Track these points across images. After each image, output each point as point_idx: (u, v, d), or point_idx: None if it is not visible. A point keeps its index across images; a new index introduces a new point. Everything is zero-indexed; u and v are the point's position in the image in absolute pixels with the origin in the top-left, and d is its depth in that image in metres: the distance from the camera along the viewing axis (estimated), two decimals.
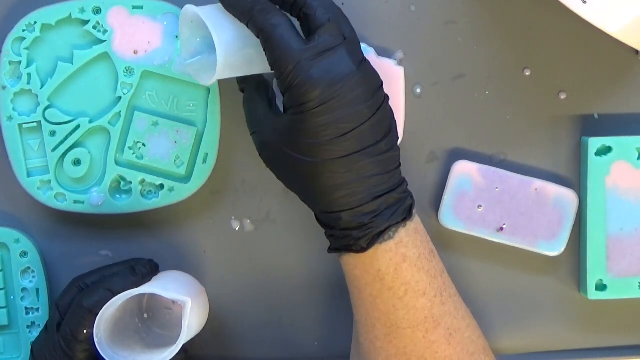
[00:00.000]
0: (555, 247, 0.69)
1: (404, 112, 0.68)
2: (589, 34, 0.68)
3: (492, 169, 0.69)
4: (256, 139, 0.61)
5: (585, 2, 0.59)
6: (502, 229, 0.69)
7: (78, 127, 0.67)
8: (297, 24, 0.59)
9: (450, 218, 0.69)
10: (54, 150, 0.67)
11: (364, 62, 0.59)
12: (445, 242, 0.71)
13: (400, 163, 0.60)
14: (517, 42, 0.70)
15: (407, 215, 0.60)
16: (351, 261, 0.60)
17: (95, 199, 0.68)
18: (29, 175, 0.68)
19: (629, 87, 0.71)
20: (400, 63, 0.70)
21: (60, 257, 0.70)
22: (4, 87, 0.67)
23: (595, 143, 0.69)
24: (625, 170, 0.69)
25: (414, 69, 0.70)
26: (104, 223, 0.70)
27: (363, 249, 0.59)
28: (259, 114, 0.61)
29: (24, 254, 0.69)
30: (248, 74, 0.62)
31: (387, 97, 0.60)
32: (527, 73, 0.70)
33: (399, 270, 0.59)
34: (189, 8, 0.60)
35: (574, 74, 0.70)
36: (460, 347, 0.62)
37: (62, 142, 0.67)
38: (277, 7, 0.59)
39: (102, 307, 0.59)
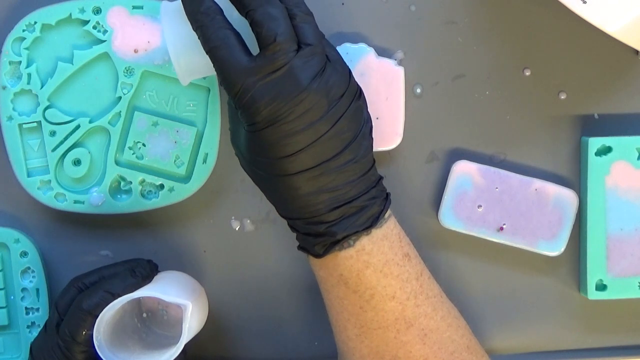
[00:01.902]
0: (555, 247, 0.69)
1: (404, 112, 0.68)
2: (589, 34, 0.68)
3: (492, 169, 0.69)
4: (231, 137, 0.62)
5: (585, 2, 0.59)
6: (502, 229, 0.69)
7: (78, 127, 0.67)
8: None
9: (450, 218, 0.69)
10: (54, 150, 0.67)
11: (320, 75, 0.56)
12: (445, 242, 0.71)
13: (370, 167, 0.59)
14: (517, 42, 0.70)
15: (373, 223, 0.59)
16: (315, 262, 0.61)
17: (95, 199, 0.68)
18: (29, 175, 0.68)
19: (629, 87, 0.71)
20: (400, 63, 0.70)
21: (60, 257, 0.70)
22: (4, 87, 0.67)
23: (595, 143, 0.69)
24: (625, 170, 0.69)
25: (414, 69, 0.70)
26: (104, 223, 0.70)
27: (319, 255, 0.59)
28: (232, 123, 0.62)
29: (24, 254, 0.69)
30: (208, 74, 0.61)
31: (352, 103, 0.58)
32: (527, 73, 0.70)
33: (361, 276, 0.59)
34: (164, 5, 0.60)
35: (574, 74, 0.70)
36: (438, 346, 0.61)
37: (62, 142, 0.67)
38: (225, 20, 0.57)
39: (101, 308, 0.59)
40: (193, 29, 0.57)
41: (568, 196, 0.69)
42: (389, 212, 0.61)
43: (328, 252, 0.59)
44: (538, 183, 0.69)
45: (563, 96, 0.71)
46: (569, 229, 0.69)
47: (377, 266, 0.60)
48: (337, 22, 0.70)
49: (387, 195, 0.61)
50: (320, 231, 0.58)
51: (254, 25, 0.56)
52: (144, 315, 0.67)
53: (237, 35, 0.57)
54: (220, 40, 0.56)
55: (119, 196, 0.68)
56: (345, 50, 0.68)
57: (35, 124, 0.67)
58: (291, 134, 0.56)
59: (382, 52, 0.69)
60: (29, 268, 0.69)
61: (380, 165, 0.70)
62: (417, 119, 0.70)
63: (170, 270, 0.68)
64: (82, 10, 0.67)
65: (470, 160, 0.69)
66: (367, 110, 0.60)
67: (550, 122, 0.71)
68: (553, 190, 0.69)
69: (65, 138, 0.67)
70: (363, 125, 0.59)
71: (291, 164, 0.57)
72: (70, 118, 0.67)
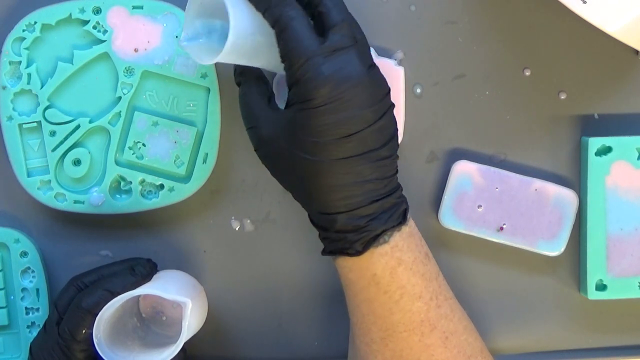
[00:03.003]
0: (555, 247, 0.69)
1: (404, 112, 0.68)
2: (589, 34, 0.68)
3: (492, 169, 0.69)
4: (253, 134, 0.60)
5: (585, 2, 0.59)
6: (502, 229, 0.69)
7: (78, 127, 0.67)
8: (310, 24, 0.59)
9: (450, 218, 0.69)
10: (54, 150, 0.67)
11: (373, 67, 0.59)
12: (445, 242, 0.71)
13: (397, 170, 0.60)
14: (517, 42, 0.70)
15: (402, 220, 0.60)
16: (346, 264, 0.60)
17: (95, 199, 0.68)
18: (29, 175, 0.68)
19: (629, 87, 0.71)
20: (400, 63, 0.70)
21: (60, 257, 0.70)
22: (4, 87, 0.67)
23: (595, 143, 0.69)
24: (625, 170, 0.69)
25: (414, 69, 0.70)
26: (104, 223, 0.70)
27: (358, 252, 0.59)
28: (257, 108, 0.60)
29: (24, 254, 0.69)
30: (250, 64, 0.61)
31: (392, 105, 0.59)
32: (527, 73, 0.70)
33: (394, 274, 0.59)
34: None
35: (574, 74, 0.70)
36: (457, 349, 0.61)
37: (62, 142, 0.67)
38: (294, 1, 0.58)
39: (101, 307, 0.59)
40: (255, 5, 0.58)
41: (568, 196, 0.69)
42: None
43: (367, 249, 0.59)
44: (538, 183, 0.69)
45: (563, 96, 0.71)
46: (569, 229, 0.69)
47: (408, 263, 0.60)
48: None
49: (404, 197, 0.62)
50: (362, 225, 0.58)
51: (322, 6, 0.58)
52: (143, 315, 0.67)
53: (305, 14, 0.58)
54: (293, 13, 0.57)
55: (119, 196, 0.68)
56: None
57: (35, 124, 0.67)
58: (346, 117, 0.56)
59: (382, 52, 0.69)
60: (29, 268, 0.69)
61: None
62: (417, 119, 0.70)
63: (169, 270, 0.68)
64: (82, 10, 0.67)
65: (470, 160, 0.69)
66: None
67: (550, 122, 0.71)
68: (553, 190, 0.69)
69: (65, 138, 0.67)
70: (395, 128, 0.60)
71: (342, 148, 0.57)
72: (70, 118, 0.67)
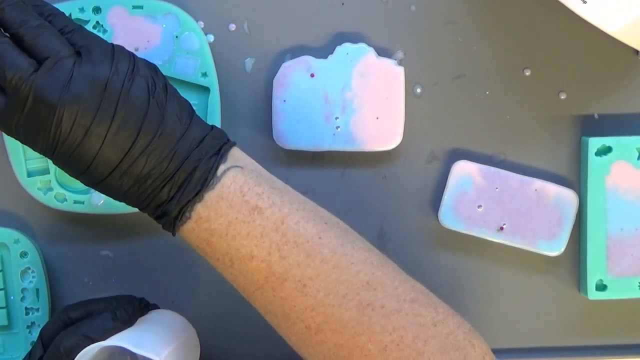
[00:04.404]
0: (555, 247, 0.69)
1: (404, 112, 0.68)
2: (589, 34, 0.68)
3: (492, 169, 0.69)
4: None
5: (585, 2, 0.59)
6: (502, 229, 0.69)
7: None
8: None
9: (450, 218, 0.69)
10: None
11: (70, 79, 0.55)
12: (445, 242, 0.71)
13: (185, 130, 0.56)
14: (517, 42, 0.70)
15: (202, 187, 0.56)
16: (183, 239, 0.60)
17: (95, 199, 0.68)
18: (29, 175, 0.68)
19: (629, 87, 0.71)
20: (400, 63, 0.70)
21: (60, 257, 0.70)
22: None
23: (595, 143, 0.69)
24: (625, 170, 0.69)
25: (414, 69, 0.70)
26: (104, 223, 0.70)
27: (174, 234, 0.58)
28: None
29: (24, 254, 0.69)
30: None
31: (125, 82, 0.55)
32: (527, 73, 0.70)
33: (211, 244, 0.57)
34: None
35: (574, 74, 0.70)
36: (323, 292, 0.57)
37: None
38: None
39: (78, 352, 0.58)
40: None
41: (568, 196, 0.69)
42: (226, 166, 0.57)
43: (176, 231, 0.58)
44: (538, 183, 0.69)
45: (563, 96, 0.71)
46: (569, 229, 0.69)
47: (221, 230, 0.57)
48: (337, 22, 0.70)
49: (221, 148, 0.58)
50: (161, 213, 0.57)
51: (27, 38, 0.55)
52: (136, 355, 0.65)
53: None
54: None
55: None
56: (345, 50, 0.68)
57: None
58: (75, 147, 0.55)
59: (382, 52, 0.69)
60: (29, 268, 0.69)
61: (380, 165, 0.70)
62: (417, 119, 0.70)
63: (159, 311, 0.66)
64: (82, 10, 0.67)
65: (470, 160, 0.69)
66: (152, 75, 0.57)
67: (550, 122, 0.71)
68: (553, 190, 0.69)
69: None
70: (149, 95, 0.56)
71: (96, 172, 0.56)
72: None
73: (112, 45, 0.57)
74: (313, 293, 0.57)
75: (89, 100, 0.55)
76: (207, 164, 0.57)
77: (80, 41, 0.57)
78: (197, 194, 0.56)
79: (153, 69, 0.58)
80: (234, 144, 0.59)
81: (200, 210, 0.57)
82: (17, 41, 0.56)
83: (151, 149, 0.56)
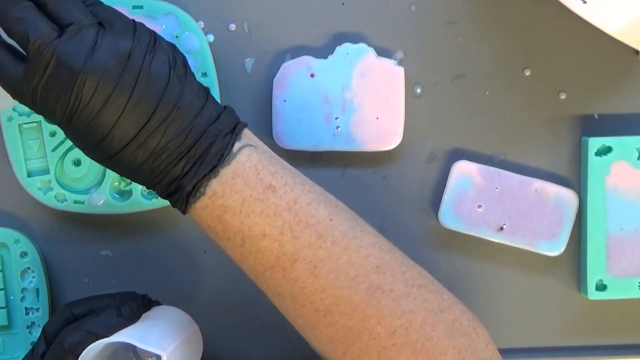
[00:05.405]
0: (555, 247, 0.69)
1: (404, 112, 0.68)
2: (589, 34, 0.68)
3: (492, 169, 0.69)
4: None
5: (585, 2, 0.59)
6: (502, 229, 0.69)
7: None
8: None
9: (450, 218, 0.69)
10: (54, 150, 0.67)
11: (93, 47, 0.55)
12: (445, 242, 0.71)
13: (202, 107, 0.56)
14: (517, 42, 0.70)
15: (218, 163, 0.56)
16: (192, 219, 0.59)
17: (95, 199, 0.68)
18: (29, 175, 0.68)
19: (629, 87, 0.71)
20: (400, 63, 0.70)
21: (60, 257, 0.70)
22: None
23: (595, 143, 0.69)
24: (625, 170, 0.69)
25: (414, 69, 0.70)
26: (104, 223, 0.70)
27: (185, 211, 0.58)
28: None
29: (24, 254, 0.69)
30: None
31: (146, 55, 0.56)
32: (527, 73, 0.70)
33: (223, 222, 0.57)
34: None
35: (574, 74, 0.70)
36: (334, 274, 0.57)
37: (62, 142, 0.67)
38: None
39: (82, 348, 0.58)
40: None
41: (568, 196, 0.69)
42: (241, 144, 0.57)
43: (189, 206, 0.57)
44: (538, 183, 0.69)
45: (563, 96, 0.71)
46: (569, 229, 0.69)
47: (235, 207, 0.56)
48: (337, 22, 0.70)
49: (236, 125, 0.58)
50: (174, 189, 0.57)
51: (8, 34, 0.55)
52: (138, 351, 0.65)
53: (3, 47, 0.56)
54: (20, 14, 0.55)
55: (119, 196, 0.68)
56: (345, 50, 0.68)
57: (35, 124, 0.67)
58: (94, 116, 0.55)
59: (382, 52, 0.69)
60: (29, 268, 0.69)
61: (380, 165, 0.70)
62: (417, 119, 0.70)
63: (163, 307, 0.66)
64: None
65: (470, 160, 0.69)
66: (172, 51, 0.57)
67: (550, 122, 0.71)
68: (553, 190, 0.69)
69: (66, 138, 0.67)
70: (170, 69, 0.56)
71: (111, 144, 0.55)
72: None
73: (133, 20, 0.57)
74: (324, 275, 0.57)
75: (112, 69, 0.54)
76: (224, 140, 0.57)
77: (102, 13, 0.57)
78: (213, 169, 0.56)
79: (173, 46, 0.58)
80: (246, 124, 0.59)
81: (215, 186, 0.56)
82: (40, 7, 0.56)
83: (169, 121, 0.55)
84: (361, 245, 0.58)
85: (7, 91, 0.56)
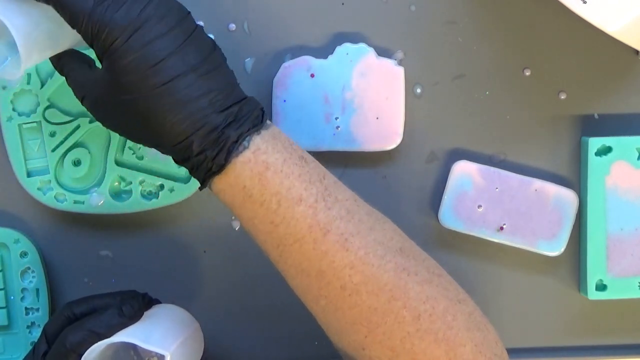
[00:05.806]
0: (555, 247, 0.69)
1: (404, 112, 0.68)
2: (589, 34, 0.68)
3: (492, 169, 0.69)
4: (86, 103, 0.59)
5: (585, 2, 0.59)
6: (502, 229, 0.69)
7: (78, 127, 0.67)
8: None
9: (450, 218, 0.69)
10: (54, 150, 0.67)
11: None
12: (445, 242, 0.71)
13: (237, 82, 0.58)
14: (517, 42, 0.70)
15: (258, 122, 0.57)
16: (219, 187, 0.57)
17: (95, 199, 0.68)
18: (29, 175, 0.68)
19: (629, 87, 0.71)
20: (400, 63, 0.70)
21: (60, 257, 0.70)
22: (4, 87, 0.67)
23: (595, 143, 0.69)
24: (625, 170, 0.69)
25: (414, 69, 0.70)
26: (104, 223, 0.70)
27: (222, 167, 0.56)
28: (81, 78, 0.59)
29: (24, 254, 0.69)
30: (57, 51, 0.59)
31: (197, 26, 0.57)
32: (527, 73, 0.70)
33: (263, 179, 0.56)
34: None
35: (574, 74, 0.70)
36: (363, 251, 0.56)
37: (62, 142, 0.67)
38: None
39: (84, 347, 0.58)
40: None
41: (568, 196, 0.69)
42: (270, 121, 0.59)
43: (229, 160, 0.56)
44: (538, 183, 0.69)
45: (563, 96, 0.71)
46: (569, 229, 0.69)
47: (277, 166, 0.56)
48: (337, 22, 0.70)
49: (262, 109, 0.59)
50: (215, 137, 0.56)
51: None
52: (139, 350, 0.65)
53: None
54: None
55: (119, 196, 0.68)
56: (345, 50, 0.68)
57: (35, 124, 0.67)
58: (154, 38, 0.55)
59: (382, 52, 0.69)
60: (29, 268, 0.69)
61: (380, 165, 0.70)
62: (417, 119, 0.70)
63: (164, 306, 0.65)
64: None
65: (470, 160, 0.69)
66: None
67: (550, 122, 0.71)
68: (553, 190, 0.69)
69: (65, 138, 0.67)
70: (214, 45, 0.58)
71: (166, 70, 0.55)
72: (70, 118, 0.67)
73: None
74: (354, 249, 0.56)
75: (175, 11, 0.56)
76: (260, 109, 0.58)
77: None
78: (255, 127, 0.56)
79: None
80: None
81: (259, 141, 0.56)
82: None
83: (219, 72, 0.57)
84: (384, 228, 0.58)
85: (69, 9, 0.55)
